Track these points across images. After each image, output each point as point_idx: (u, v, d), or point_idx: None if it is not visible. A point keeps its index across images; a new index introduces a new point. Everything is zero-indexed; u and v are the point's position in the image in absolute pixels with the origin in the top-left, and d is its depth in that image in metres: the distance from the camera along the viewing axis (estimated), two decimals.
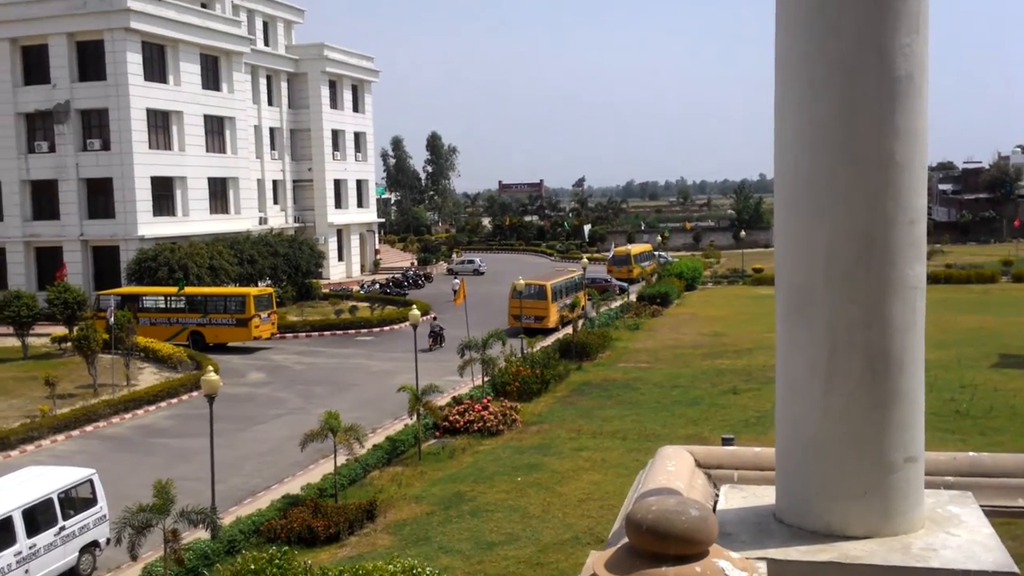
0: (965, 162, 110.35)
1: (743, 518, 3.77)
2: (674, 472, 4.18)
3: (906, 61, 3.32)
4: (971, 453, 4.44)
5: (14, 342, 38.26)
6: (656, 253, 73.47)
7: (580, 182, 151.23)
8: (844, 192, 3.50)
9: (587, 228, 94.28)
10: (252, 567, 14.84)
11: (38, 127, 49.83)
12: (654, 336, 41.67)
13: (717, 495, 4.22)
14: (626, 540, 3.02)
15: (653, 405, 28.45)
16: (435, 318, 42.97)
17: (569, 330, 39.45)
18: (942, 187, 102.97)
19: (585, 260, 52.44)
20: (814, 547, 3.38)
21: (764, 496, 4.01)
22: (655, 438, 23.28)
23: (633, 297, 52.68)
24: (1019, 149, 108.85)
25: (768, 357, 30.66)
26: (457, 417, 26.23)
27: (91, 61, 48.49)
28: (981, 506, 3.76)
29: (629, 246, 73.61)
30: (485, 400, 27.47)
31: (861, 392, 3.42)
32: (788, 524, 3.61)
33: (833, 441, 3.45)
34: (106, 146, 48.44)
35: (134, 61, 48.02)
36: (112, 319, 33.45)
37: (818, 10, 3.39)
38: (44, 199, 50.10)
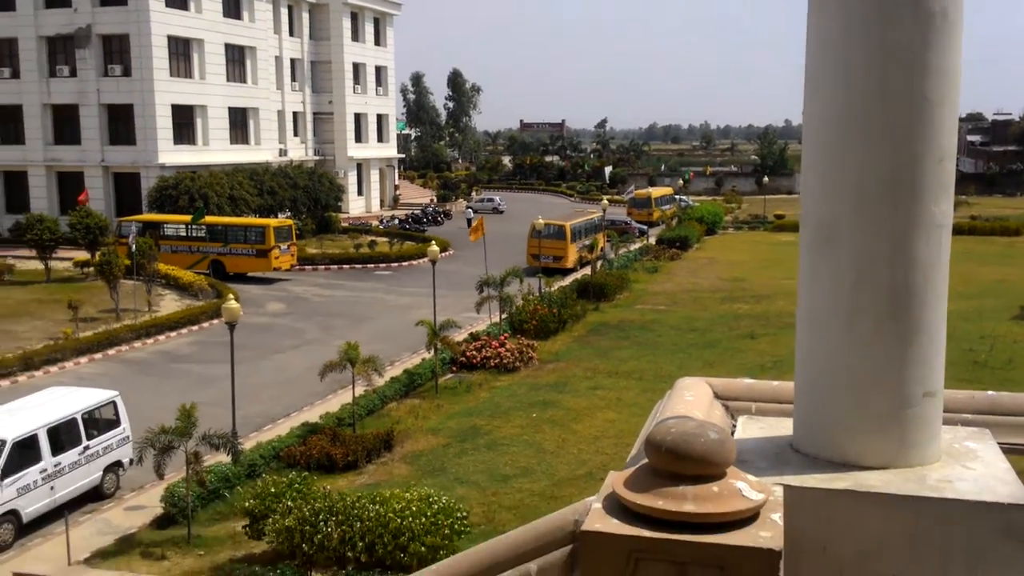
0: (995, 113, 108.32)
1: (760, 447, 3.84)
2: (692, 402, 4.25)
3: None
4: (990, 392, 4.48)
5: (37, 265, 38.73)
6: (677, 197, 72.99)
7: (602, 123, 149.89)
8: (875, 130, 3.50)
9: (608, 170, 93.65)
10: (273, 491, 15.24)
11: (59, 51, 49.68)
12: (672, 279, 41.67)
13: (735, 426, 4.31)
14: (645, 461, 3.10)
15: (669, 347, 28.59)
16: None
17: (587, 271, 39.49)
18: (970, 138, 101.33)
19: (605, 202, 52.21)
20: (830, 475, 3.45)
21: (781, 428, 4.08)
22: (670, 379, 23.29)
23: (652, 240, 52.55)
24: None
25: (787, 303, 30.67)
26: (474, 353, 26.47)
27: None
28: (999, 443, 3.82)
29: (650, 189, 73.16)
30: (502, 337, 27.67)
31: (882, 326, 3.46)
32: (805, 453, 3.68)
33: (853, 373, 3.50)
34: (127, 72, 48.30)
35: None
36: (134, 245, 33.75)
37: None
38: (65, 124, 50.17)
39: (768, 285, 38.28)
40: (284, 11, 63.03)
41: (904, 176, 3.40)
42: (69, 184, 49.55)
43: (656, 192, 69.57)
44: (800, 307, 3.82)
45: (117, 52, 48.87)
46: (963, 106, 3.99)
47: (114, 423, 18.56)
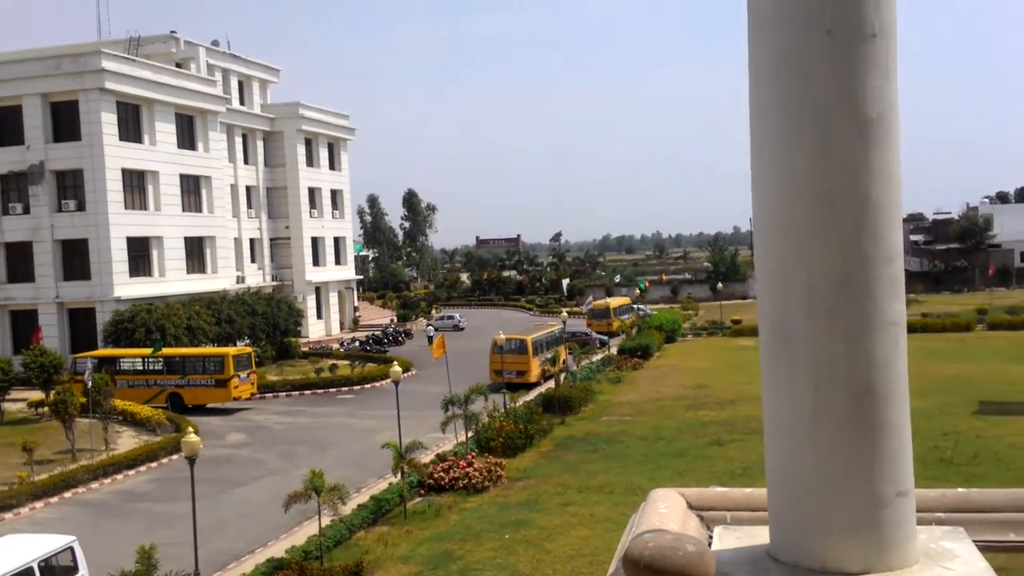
0: (935, 213, 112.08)
1: (738, 558, 3.79)
2: (667, 514, 4.20)
3: (877, 103, 3.45)
4: (960, 489, 4.49)
5: None
6: (635, 306, 73.79)
7: (557, 236, 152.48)
8: (822, 233, 3.59)
9: (566, 282, 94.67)
10: None
11: (12, 188, 49.69)
12: (636, 389, 41.67)
13: (711, 536, 4.24)
14: None
15: (638, 458, 28.36)
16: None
17: (551, 384, 39.38)
18: (913, 238, 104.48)
19: (565, 314, 52.62)
20: None
21: (758, 536, 4.03)
22: (642, 491, 23.10)
23: (614, 350, 52.74)
24: (987, 200, 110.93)
25: (752, 408, 30.71)
26: (442, 474, 26.00)
27: (65, 122, 48.55)
28: (973, 541, 3.80)
29: (608, 299, 73.91)
30: (470, 456, 27.28)
31: (848, 427, 3.48)
32: (783, 562, 3.63)
33: (823, 477, 3.50)
34: (81, 207, 48.36)
35: (109, 121, 48.19)
36: (89, 382, 33.08)
37: (789, 60, 3.51)
38: (19, 261, 49.78)
39: (732, 390, 38.42)
40: (238, 139, 64.05)
41: (855, 276, 3.48)
42: (22, 322, 48.83)
43: (614, 302, 70.28)
44: (765, 411, 3.84)
45: (71, 187, 49.02)
46: (904, 207, 4.18)
47: (72, 569, 17.76)
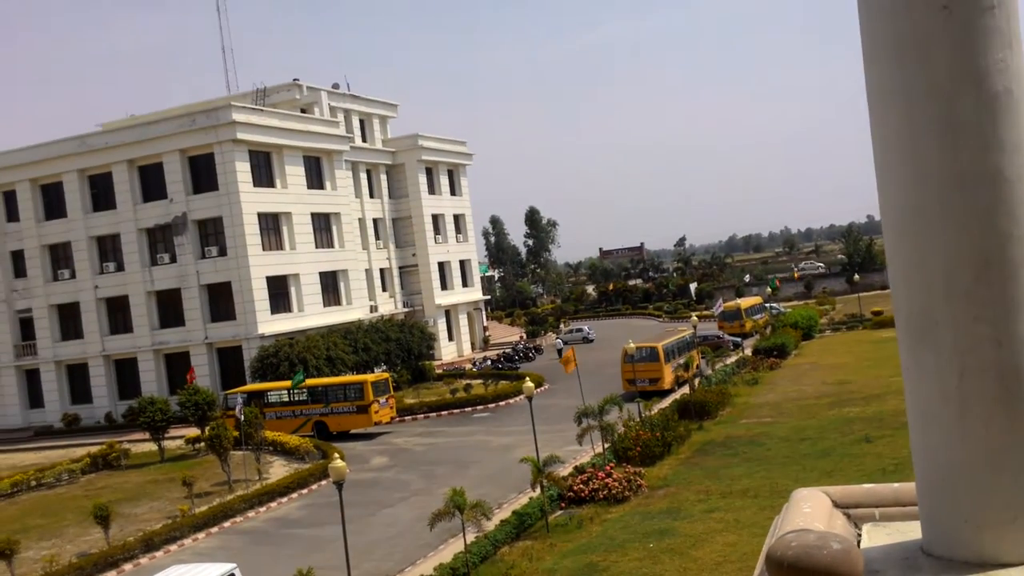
0: None
1: (889, 554, 3.67)
2: (811, 513, 4.11)
3: (1002, 76, 3.31)
4: None
5: (151, 446, 40.01)
6: (767, 305, 71.90)
7: (681, 241, 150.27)
8: (955, 215, 3.47)
9: (693, 286, 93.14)
10: None
11: (159, 240, 52.82)
12: (775, 389, 40.58)
13: (859, 535, 4.13)
14: None
15: (782, 460, 27.58)
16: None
17: (685, 390, 38.80)
18: None
19: (695, 318, 51.76)
20: None
21: (909, 532, 3.90)
22: (787, 494, 22.45)
23: (748, 351, 51.54)
24: None
25: (899, 402, 29.42)
26: (581, 486, 25.99)
27: (203, 173, 51.39)
28: None
29: (738, 300, 72.33)
30: (608, 467, 27.16)
31: (998, 412, 3.34)
32: (938, 556, 3.50)
33: (975, 466, 3.36)
34: (223, 252, 50.93)
35: (243, 170, 50.69)
36: (241, 416, 34.69)
37: (906, 41, 3.41)
38: (169, 307, 52.76)
39: (877, 385, 36.91)
40: (363, 175, 66.17)
41: (993, 256, 3.34)
42: (176, 364, 51.70)
43: (745, 303, 68.71)
44: (908, 403, 3.71)
45: (212, 234, 51.76)
46: None
47: None
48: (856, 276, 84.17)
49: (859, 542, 4.01)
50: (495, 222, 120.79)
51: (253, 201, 51.20)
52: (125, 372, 53.76)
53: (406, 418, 44.51)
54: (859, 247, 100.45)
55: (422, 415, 45.15)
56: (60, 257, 55.04)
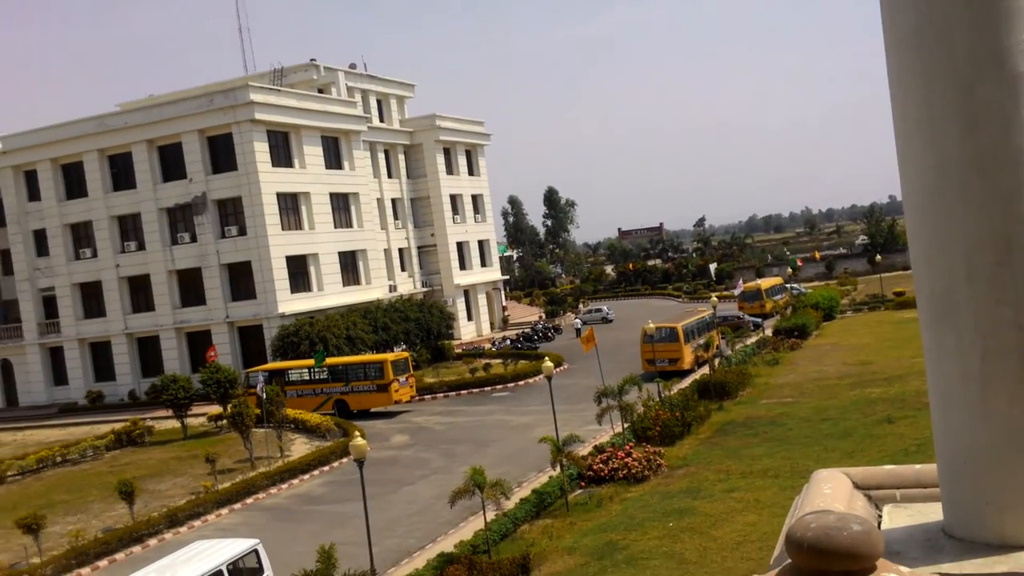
0: None
1: (910, 535, 3.69)
2: (831, 494, 4.13)
3: None
4: None
5: (174, 423, 40.44)
6: (788, 285, 71.54)
7: (700, 221, 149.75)
8: (977, 197, 3.46)
9: (713, 266, 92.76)
10: None
11: (179, 219, 53.09)
12: (796, 369, 40.45)
13: (880, 516, 4.14)
14: (788, 561, 3.02)
15: (803, 440, 27.54)
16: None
17: (705, 370, 38.76)
18: None
19: (714, 298, 51.59)
20: (990, 559, 3.29)
21: (930, 513, 3.91)
22: (808, 474, 22.47)
23: (769, 332, 51.35)
24: None
25: (922, 383, 29.28)
26: (601, 466, 26.07)
27: (222, 153, 51.49)
28: None
29: (759, 280, 72.00)
30: (627, 447, 27.22)
31: (1020, 394, 3.33)
32: (959, 538, 3.51)
33: (997, 448, 3.36)
34: (243, 232, 51.16)
35: (261, 150, 50.78)
36: (263, 394, 34.97)
37: (927, 25, 3.39)
38: (190, 286, 53.12)
39: (899, 365, 36.72)
40: (381, 155, 66.18)
41: (1016, 238, 3.32)
42: (197, 342, 52.09)
43: (765, 283, 68.38)
44: (930, 384, 3.72)
45: (232, 214, 51.97)
46: None
47: (258, 571, 18.90)
48: (878, 256, 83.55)
49: (880, 523, 4.03)
50: (514, 203, 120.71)
51: (272, 181, 51.33)
52: (148, 350, 54.26)
53: (426, 397, 44.74)
54: (881, 227, 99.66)
55: (442, 394, 45.35)
56: (82, 236, 55.48)
